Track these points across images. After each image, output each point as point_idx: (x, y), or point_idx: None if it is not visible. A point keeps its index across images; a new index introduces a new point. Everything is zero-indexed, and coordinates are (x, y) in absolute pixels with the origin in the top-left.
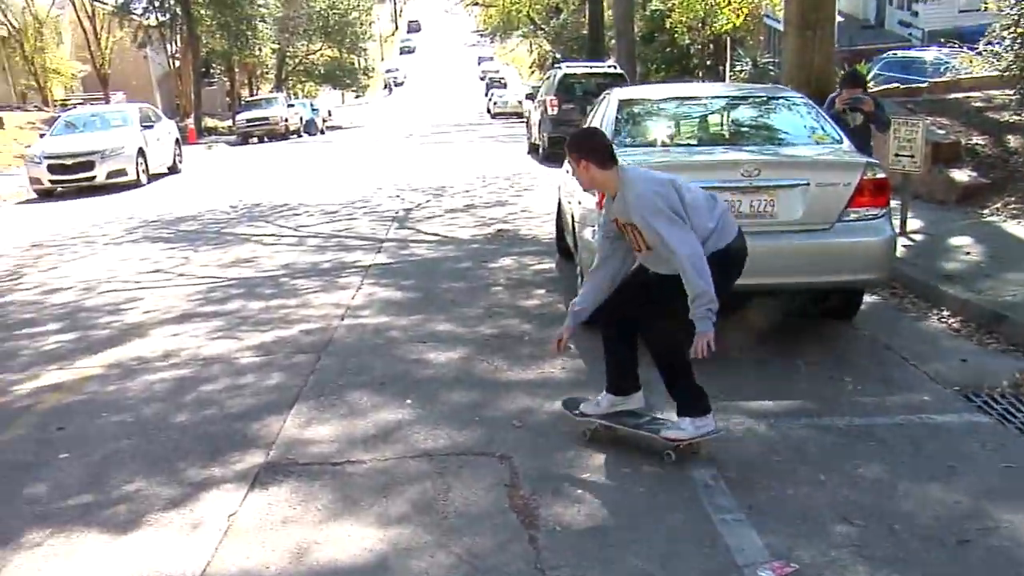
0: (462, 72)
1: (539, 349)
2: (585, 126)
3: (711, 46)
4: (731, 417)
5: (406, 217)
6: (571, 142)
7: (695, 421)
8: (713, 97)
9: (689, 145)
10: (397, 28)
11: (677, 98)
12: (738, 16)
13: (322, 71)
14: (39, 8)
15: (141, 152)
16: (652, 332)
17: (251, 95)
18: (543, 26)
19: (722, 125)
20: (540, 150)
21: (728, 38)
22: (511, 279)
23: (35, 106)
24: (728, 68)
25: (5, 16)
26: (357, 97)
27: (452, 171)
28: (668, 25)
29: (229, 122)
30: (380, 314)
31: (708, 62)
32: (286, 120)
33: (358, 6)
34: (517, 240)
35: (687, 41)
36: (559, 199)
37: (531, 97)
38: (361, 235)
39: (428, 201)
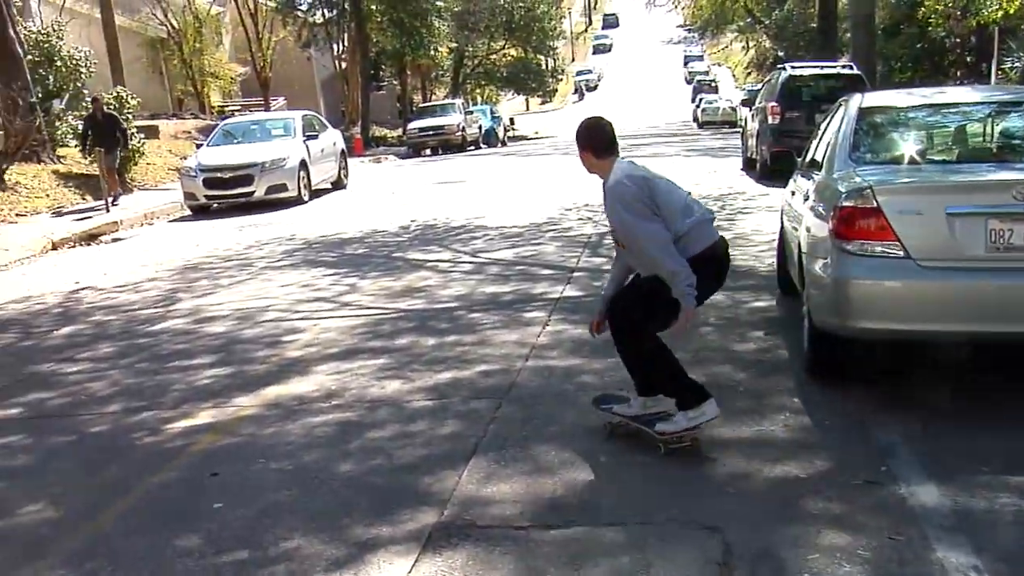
0: (665, 73)
1: (756, 402)
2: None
3: (972, 39)
4: (999, 496)
5: (599, 243)
6: (577, 131)
7: (688, 413)
8: (976, 104)
9: (946, 162)
10: (591, 24)
11: (931, 105)
12: (1011, 1)
13: (504, 73)
14: (200, 6)
15: (303, 165)
16: (626, 334)
17: (424, 101)
18: (763, 19)
19: (987, 138)
20: (758, 166)
21: (996, 29)
22: (722, 318)
23: (191, 113)
24: (995, 66)
25: (166, 16)
26: (543, 103)
27: None
28: (919, 15)
29: (400, 131)
30: (570, 356)
31: (968, 59)
32: (463, 129)
33: None
34: (730, 272)
35: (942, 33)
36: (781, 224)
37: (747, 104)
38: (548, 263)
39: None
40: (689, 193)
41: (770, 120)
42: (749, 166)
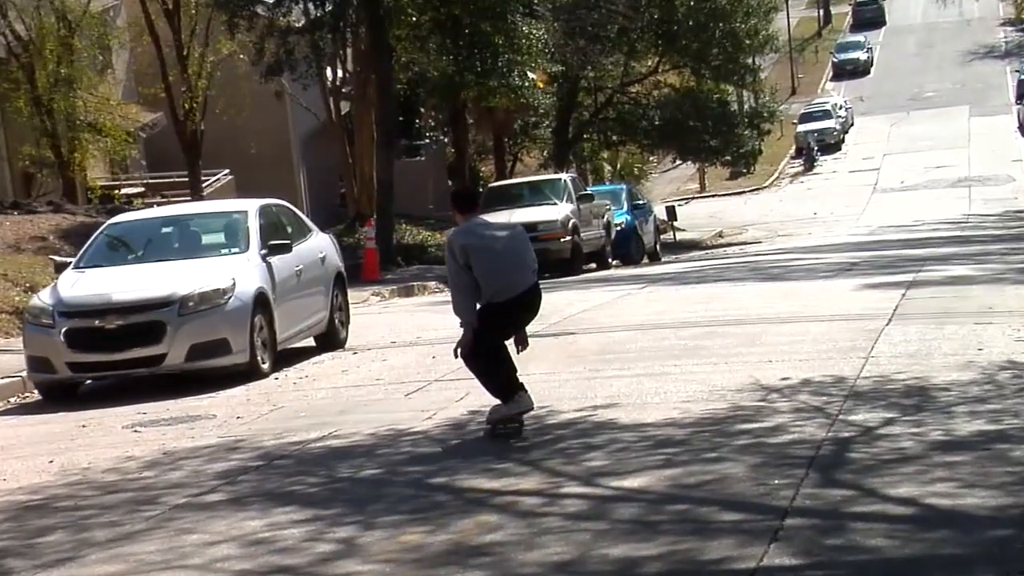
0: (984, 106)
1: None
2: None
3: None
4: None
5: (838, 457)
6: (451, 195)
7: (507, 404)
8: None
9: None
10: (827, 21)
11: None
12: None
13: (657, 121)
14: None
15: (261, 304)
16: (478, 340)
17: (501, 174)
18: None
19: None
20: None
21: None
22: None
23: (49, 201)
24: None
25: (3, 16)
26: (736, 175)
27: None
28: None
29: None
30: None
31: None
32: (574, 231)
33: None
34: None
35: None
36: None
37: None
38: (733, 498)
39: None
40: (519, 261)
41: None
42: None
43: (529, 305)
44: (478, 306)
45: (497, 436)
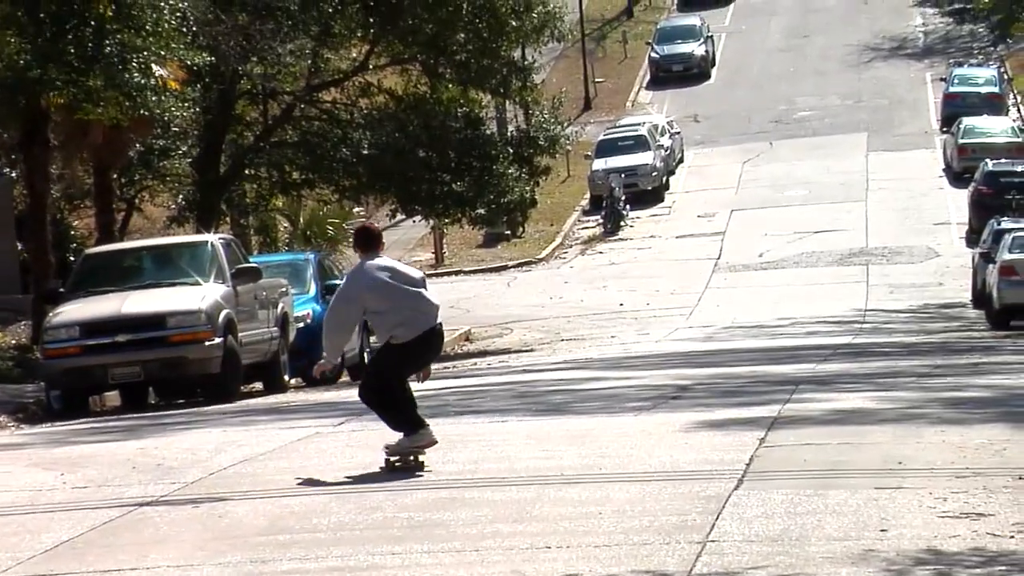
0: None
1: None
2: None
3: None
4: None
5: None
6: (354, 234)
7: (410, 437)
8: None
9: None
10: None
11: None
12: None
13: (368, 148)
14: None
15: None
16: (364, 386)
17: (112, 234)
18: None
19: None
20: None
21: None
22: None
23: None
24: None
25: None
26: (494, 237)
27: None
28: None
29: (27, 328)
30: None
31: None
32: (224, 329)
33: None
34: None
35: None
36: None
37: None
38: None
39: None
40: (419, 297)
41: None
42: None
43: (432, 345)
44: (375, 344)
45: (395, 470)
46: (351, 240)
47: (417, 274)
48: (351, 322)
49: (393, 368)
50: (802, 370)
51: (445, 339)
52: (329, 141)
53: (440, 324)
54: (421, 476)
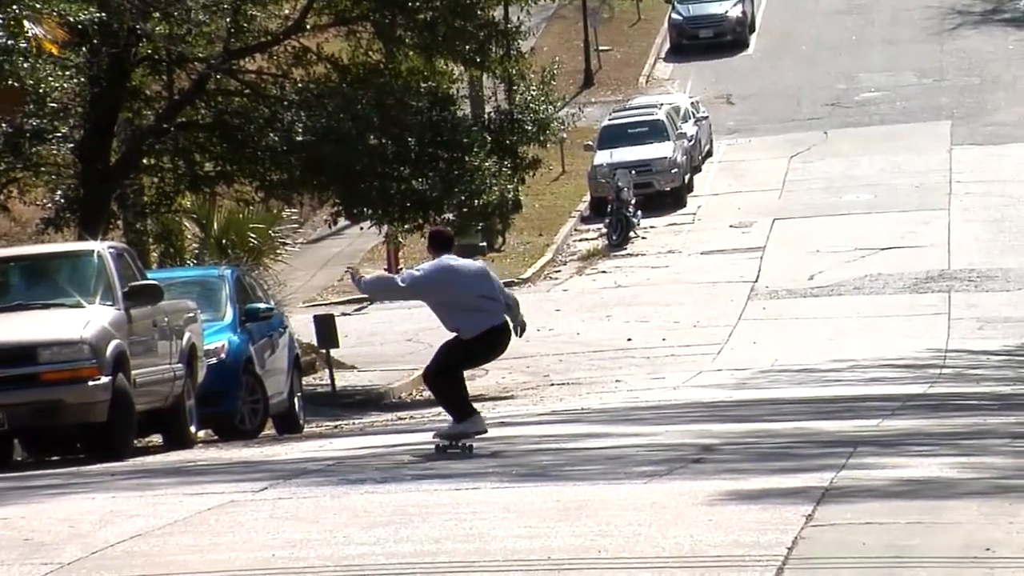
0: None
1: None
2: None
3: None
4: None
5: None
6: (429, 236)
7: (461, 423)
8: None
9: None
10: None
11: None
12: None
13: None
14: None
15: None
16: (429, 372)
17: None
18: None
19: None
20: None
21: None
22: None
23: None
24: None
25: None
26: (478, 247)
27: None
28: None
29: None
30: None
31: None
32: (114, 366)
33: None
34: None
35: None
36: None
37: None
38: None
39: None
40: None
41: None
42: None
43: (493, 342)
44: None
45: (448, 451)
46: (264, 255)
47: (483, 271)
48: (393, 299)
49: (457, 361)
50: (862, 427)
51: (506, 343)
52: (253, 123)
53: (505, 322)
54: (366, 561)
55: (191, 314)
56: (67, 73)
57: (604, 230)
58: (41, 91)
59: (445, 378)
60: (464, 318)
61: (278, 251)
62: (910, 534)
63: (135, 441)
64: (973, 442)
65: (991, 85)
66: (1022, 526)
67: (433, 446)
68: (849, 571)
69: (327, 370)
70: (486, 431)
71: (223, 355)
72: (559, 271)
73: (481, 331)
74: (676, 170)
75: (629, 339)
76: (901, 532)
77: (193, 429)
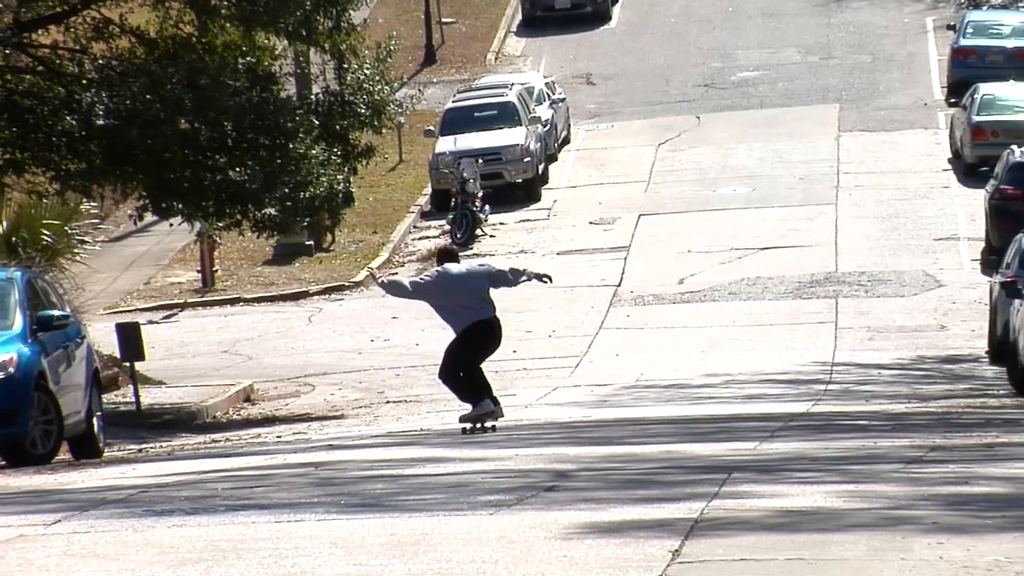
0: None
1: None
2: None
3: None
4: None
5: None
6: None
7: (475, 408)
8: None
9: None
10: None
11: None
12: None
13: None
14: None
15: None
16: (442, 368)
17: None
18: None
19: None
20: None
21: None
22: None
23: None
24: None
25: None
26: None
27: None
28: None
29: None
30: None
31: None
32: None
33: None
34: None
35: None
36: None
37: None
38: None
39: None
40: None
41: None
42: None
43: (482, 334)
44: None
45: (474, 431)
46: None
47: (479, 276)
48: (407, 298)
49: (461, 358)
50: (738, 451)
51: (497, 332)
52: (47, 105)
53: (492, 316)
54: None
55: None
56: None
57: (447, 227)
58: None
59: (457, 376)
60: (456, 315)
61: (76, 250)
62: (790, 572)
63: None
64: (862, 467)
65: (884, 64)
66: (915, 562)
67: (463, 430)
68: None
69: (131, 386)
70: (497, 414)
71: (11, 369)
72: (396, 273)
73: (468, 324)
74: (529, 159)
75: None
76: (780, 570)
77: None
